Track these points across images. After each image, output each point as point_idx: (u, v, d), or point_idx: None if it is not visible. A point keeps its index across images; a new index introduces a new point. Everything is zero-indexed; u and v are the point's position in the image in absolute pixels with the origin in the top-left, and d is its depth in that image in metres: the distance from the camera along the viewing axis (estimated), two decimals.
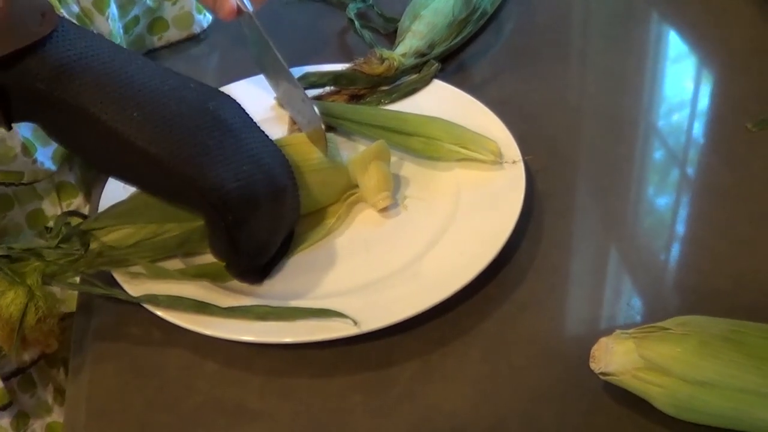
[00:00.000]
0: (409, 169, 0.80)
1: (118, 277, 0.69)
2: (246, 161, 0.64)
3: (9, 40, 0.59)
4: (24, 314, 0.64)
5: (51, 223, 0.85)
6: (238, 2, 0.81)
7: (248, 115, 0.69)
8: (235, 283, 0.70)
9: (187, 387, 0.65)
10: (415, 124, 0.80)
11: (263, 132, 0.69)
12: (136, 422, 0.63)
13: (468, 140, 0.77)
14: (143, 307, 0.67)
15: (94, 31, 0.81)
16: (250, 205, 0.64)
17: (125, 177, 0.68)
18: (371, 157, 0.75)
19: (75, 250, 0.68)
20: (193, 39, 1.00)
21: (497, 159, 0.77)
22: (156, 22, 0.97)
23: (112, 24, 0.89)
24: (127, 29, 0.94)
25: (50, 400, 0.88)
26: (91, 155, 0.67)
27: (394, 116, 0.81)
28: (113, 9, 0.89)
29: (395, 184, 0.77)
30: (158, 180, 0.64)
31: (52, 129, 0.66)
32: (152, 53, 0.99)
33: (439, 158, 0.79)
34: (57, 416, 0.88)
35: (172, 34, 0.99)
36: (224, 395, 0.64)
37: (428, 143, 0.79)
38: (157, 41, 0.99)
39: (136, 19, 0.95)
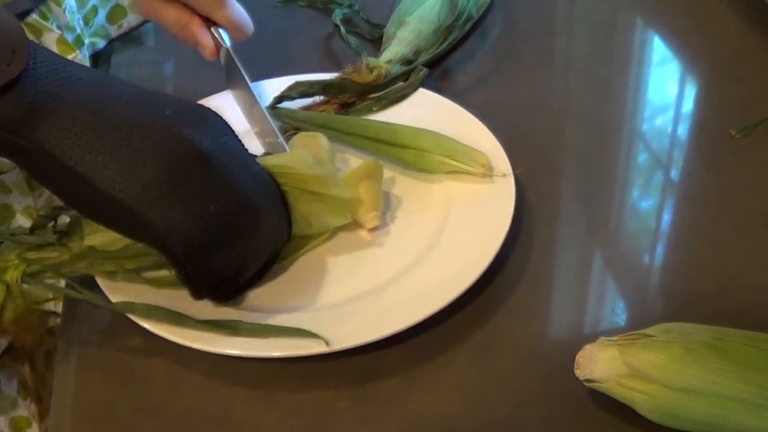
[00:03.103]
0: (398, 181, 0.80)
1: (101, 282, 0.69)
2: (216, 197, 0.63)
3: None
4: (1, 310, 0.64)
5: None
6: (216, 37, 0.84)
7: (231, 133, 0.66)
8: None
9: (174, 393, 0.65)
10: (406, 137, 0.79)
11: (245, 152, 0.67)
12: (122, 428, 0.63)
13: (458, 153, 0.77)
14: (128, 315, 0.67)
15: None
16: (215, 247, 0.63)
17: (93, 215, 0.65)
18: (363, 175, 0.74)
19: (54, 242, 0.68)
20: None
21: (487, 172, 0.77)
22: (114, 11, 0.97)
23: (70, 16, 0.88)
24: (87, 21, 0.94)
25: (14, 394, 0.87)
26: (62, 195, 0.65)
27: (385, 128, 0.81)
28: (70, 1, 0.89)
29: (384, 198, 0.77)
30: (124, 222, 0.63)
31: (20, 165, 0.64)
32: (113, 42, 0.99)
33: (429, 170, 0.79)
34: (22, 410, 0.88)
35: (131, 20, 0.99)
36: (211, 402, 0.64)
37: (419, 155, 0.78)
38: (117, 30, 0.99)
39: (95, 10, 0.95)
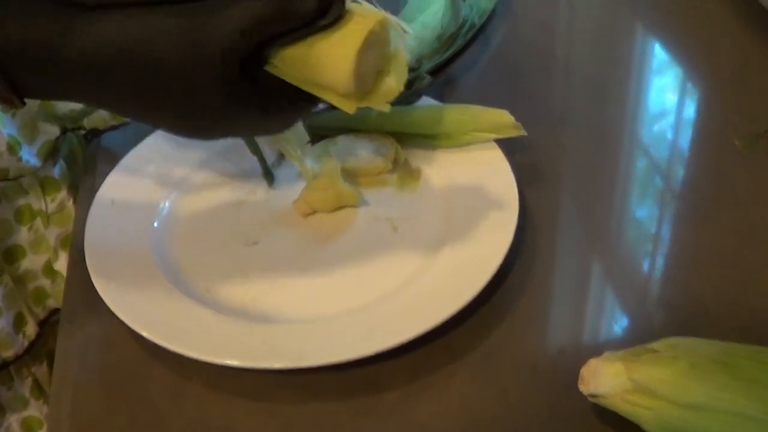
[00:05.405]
0: (399, 193, 0.80)
1: (102, 291, 0.69)
2: None
3: None
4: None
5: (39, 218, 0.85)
6: None
7: None
8: (227, 301, 0.70)
9: (174, 405, 0.65)
10: (430, 124, 0.81)
11: None
12: None
13: (484, 123, 0.80)
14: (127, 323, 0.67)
15: None
16: None
17: None
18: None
19: None
20: None
21: (518, 131, 0.79)
22: None
23: None
24: None
25: (27, 393, 0.87)
26: None
27: (407, 121, 0.82)
28: None
29: (387, 211, 0.77)
30: None
31: None
32: None
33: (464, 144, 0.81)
34: (33, 410, 0.88)
35: None
36: (211, 413, 0.64)
37: (449, 138, 0.81)
38: None
39: None
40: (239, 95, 0.57)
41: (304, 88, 0.59)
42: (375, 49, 0.58)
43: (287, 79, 0.59)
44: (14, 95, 0.57)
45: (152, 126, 0.61)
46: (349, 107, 0.59)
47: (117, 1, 0.54)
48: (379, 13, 0.58)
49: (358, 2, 0.59)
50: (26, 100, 0.58)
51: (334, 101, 0.59)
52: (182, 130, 0.60)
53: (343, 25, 0.56)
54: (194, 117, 0.58)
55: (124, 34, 0.54)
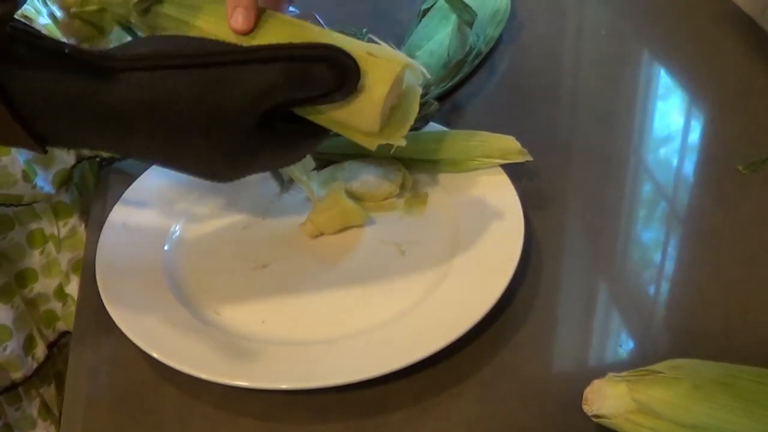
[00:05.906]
0: (407, 216, 0.80)
1: (113, 313, 0.70)
2: None
3: None
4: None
5: (51, 242, 0.86)
6: None
7: None
8: (236, 322, 0.71)
9: (183, 425, 0.65)
10: (437, 151, 0.82)
11: None
12: None
13: (491, 149, 0.81)
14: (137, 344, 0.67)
15: None
16: None
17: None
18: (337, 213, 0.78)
19: None
20: None
21: (524, 156, 0.80)
22: None
23: None
24: None
25: (35, 414, 0.88)
26: None
27: (413, 147, 0.82)
28: None
29: (393, 233, 0.78)
30: None
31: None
32: None
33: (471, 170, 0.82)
34: (41, 430, 0.88)
35: None
36: None
37: (456, 163, 0.82)
38: None
39: None
40: (256, 143, 0.60)
41: (328, 127, 0.62)
42: (395, 90, 0.61)
43: (310, 119, 0.62)
44: (38, 146, 0.59)
45: (173, 171, 0.64)
46: (371, 144, 0.63)
47: (141, 66, 0.57)
48: (401, 58, 0.61)
49: (377, 43, 0.61)
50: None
51: (358, 139, 0.63)
52: (202, 175, 0.63)
53: (369, 71, 0.59)
54: (213, 165, 0.61)
55: (146, 94, 0.57)
